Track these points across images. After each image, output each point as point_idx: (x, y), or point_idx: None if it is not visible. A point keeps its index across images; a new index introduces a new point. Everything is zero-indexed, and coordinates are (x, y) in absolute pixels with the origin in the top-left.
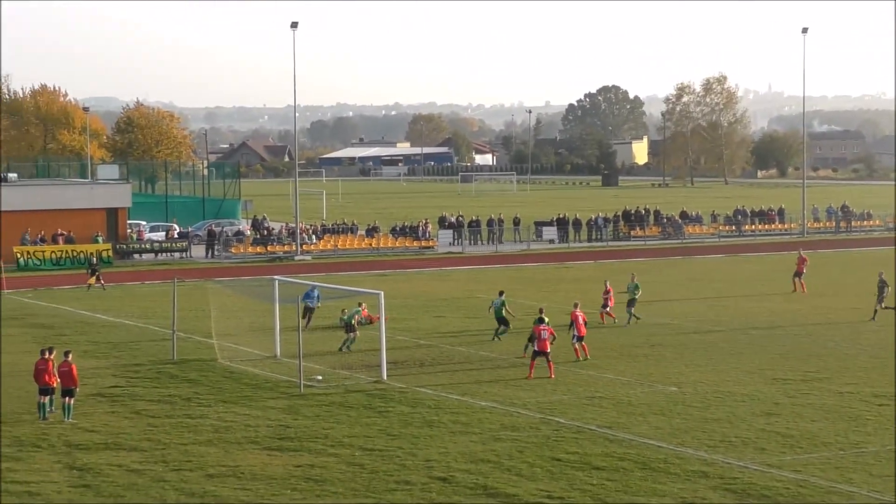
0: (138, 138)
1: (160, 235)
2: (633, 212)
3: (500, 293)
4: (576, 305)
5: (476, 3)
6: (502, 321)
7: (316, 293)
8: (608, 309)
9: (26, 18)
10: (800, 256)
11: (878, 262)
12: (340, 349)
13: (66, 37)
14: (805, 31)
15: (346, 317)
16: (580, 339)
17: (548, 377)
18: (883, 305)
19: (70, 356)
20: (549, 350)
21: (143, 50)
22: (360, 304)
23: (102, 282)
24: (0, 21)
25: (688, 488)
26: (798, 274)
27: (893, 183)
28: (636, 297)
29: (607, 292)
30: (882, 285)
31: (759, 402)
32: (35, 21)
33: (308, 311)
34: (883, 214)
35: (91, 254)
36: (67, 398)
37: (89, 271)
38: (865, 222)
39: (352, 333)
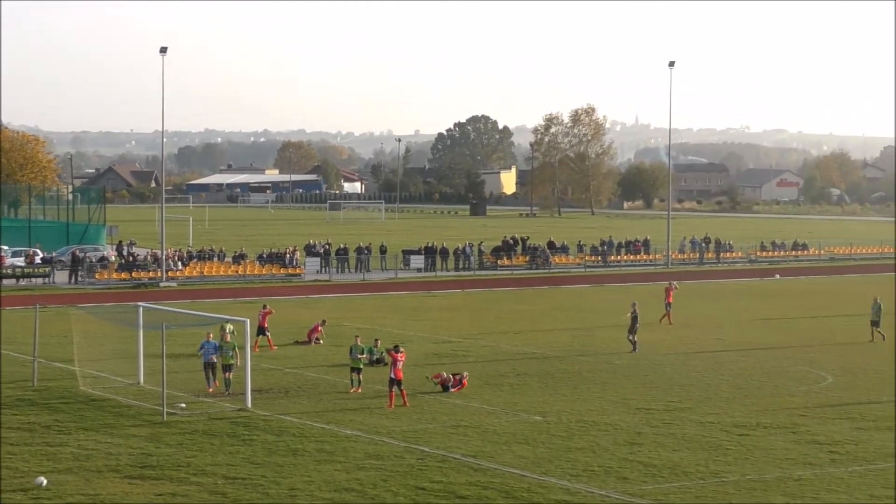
0: (1, 162)
1: (22, 261)
2: (502, 241)
3: (377, 340)
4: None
5: (345, 30)
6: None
7: (213, 344)
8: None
9: None
10: (669, 287)
11: (739, 293)
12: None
13: None
14: (672, 64)
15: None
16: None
17: (412, 406)
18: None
19: None
20: (402, 378)
21: (7, 71)
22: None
23: None
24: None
25: None
26: (668, 304)
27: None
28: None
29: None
30: (634, 319)
31: (623, 432)
32: None
33: (209, 367)
34: (745, 246)
35: None
36: None
37: None
38: (727, 254)
39: (355, 374)
